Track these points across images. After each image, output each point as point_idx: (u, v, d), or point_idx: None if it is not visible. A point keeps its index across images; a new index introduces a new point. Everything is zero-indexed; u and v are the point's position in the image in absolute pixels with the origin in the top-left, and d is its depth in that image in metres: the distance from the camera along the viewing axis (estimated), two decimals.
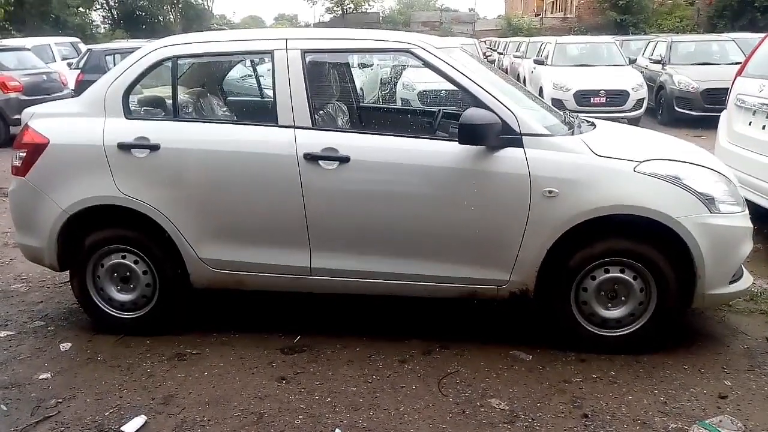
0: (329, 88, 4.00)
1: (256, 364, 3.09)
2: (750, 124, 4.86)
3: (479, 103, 2.98)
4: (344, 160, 3.03)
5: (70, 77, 11.84)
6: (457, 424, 2.58)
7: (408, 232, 3.08)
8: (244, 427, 2.59)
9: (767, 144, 4.53)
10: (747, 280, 3.17)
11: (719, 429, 2.50)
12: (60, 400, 2.81)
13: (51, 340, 3.40)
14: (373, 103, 5.92)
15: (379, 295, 3.31)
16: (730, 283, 3.05)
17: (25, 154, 3.30)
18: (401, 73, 8.67)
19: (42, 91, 10.29)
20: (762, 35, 5.55)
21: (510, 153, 2.95)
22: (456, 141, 2.95)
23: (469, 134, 2.90)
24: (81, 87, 9.59)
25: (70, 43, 16.14)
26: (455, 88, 3.12)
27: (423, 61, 3.12)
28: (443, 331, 3.37)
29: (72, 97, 8.88)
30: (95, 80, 3.45)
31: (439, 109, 4.08)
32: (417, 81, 8.20)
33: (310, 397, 2.79)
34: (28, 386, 2.93)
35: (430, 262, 3.10)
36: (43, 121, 3.37)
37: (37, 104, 3.65)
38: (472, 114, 2.90)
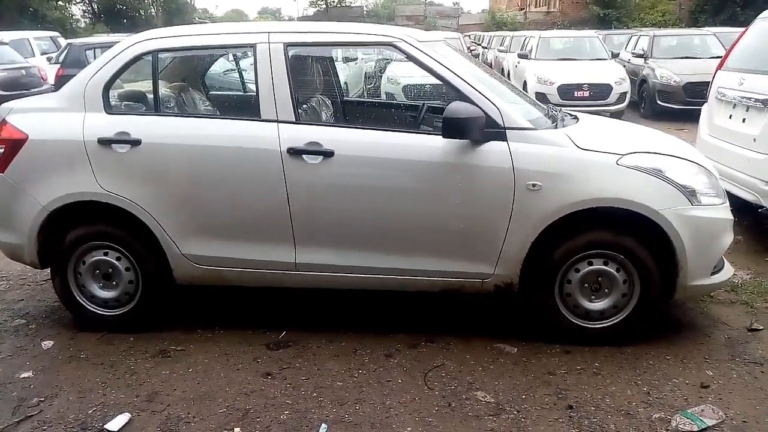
0: (313, 82, 3.98)
1: (241, 360, 3.07)
2: (730, 117, 4.91)
3: (463, 97, 2.98)
4: (328, 154, 3.02)
5: (50, 72, 11.67)
6: (443, 417, 2.59)
7: (392, 227, 3.07)
8: (230, 423, 2.58)
9: (747, 136, 4.58)
10: (728, 272, 3.21)
11: (701, 418, 2.53)
12: (42, 399, 2.77)
13: (32, 338, 3.36)
14: (358, 97, 5.90)
15: (364, 290, 3.31)
16: (712, 274, 3.09)
17: (3, 150, 3.24)
18: (385, 67, 8.66)
19: (21, 86, 10.15)
20: (742, 29, 5.60)
21: (494, 147, 2.95)
22: (440, 135, 2.95)
23: (453, 128, 2.89)
24: (61, 82, 9.42)
25: (50, 37, 15.92)
26: (439, 82, 3.11)
27: (407, 54, 3.12)
28: (429, 325, 3.38)
29: (51, 92, 8.75)
30: (75, 75, 3.40)
31: (424, 103, 4.07)
32: (401, 75, 8.18)
33: (296, 393, 2.78)
34: (10, 385, 2.89)
35: (415, 257, 3.10)
36: (22, 116, 3.31)
37: (15, 99, 3.59)
38: (456, 108, 2.89)
